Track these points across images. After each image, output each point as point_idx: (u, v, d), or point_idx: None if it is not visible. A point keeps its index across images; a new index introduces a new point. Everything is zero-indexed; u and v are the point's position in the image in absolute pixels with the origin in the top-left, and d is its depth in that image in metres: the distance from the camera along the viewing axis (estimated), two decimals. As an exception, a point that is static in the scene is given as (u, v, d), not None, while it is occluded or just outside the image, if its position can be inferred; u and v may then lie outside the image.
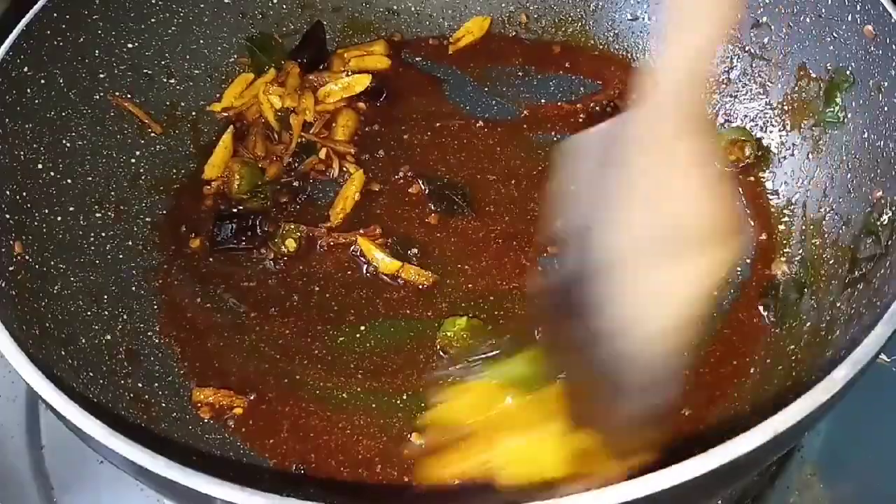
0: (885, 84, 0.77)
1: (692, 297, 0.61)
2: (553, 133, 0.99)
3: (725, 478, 0.57)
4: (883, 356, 0.81)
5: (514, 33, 1.10)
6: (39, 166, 0.83)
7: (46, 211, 0.82)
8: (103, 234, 0.87)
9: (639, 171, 0.61)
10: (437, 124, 1.01)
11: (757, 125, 0.95)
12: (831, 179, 0.85)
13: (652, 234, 0.61)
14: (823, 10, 0.85)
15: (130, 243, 0.89)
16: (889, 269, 0.70)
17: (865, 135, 0.81)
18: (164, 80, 0.98)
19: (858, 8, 0.80)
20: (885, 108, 0.78)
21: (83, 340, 0.78)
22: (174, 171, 0.96)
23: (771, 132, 0.93)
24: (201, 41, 1.02)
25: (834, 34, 0.84)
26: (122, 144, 0.93)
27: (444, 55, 1.09)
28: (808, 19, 0.87)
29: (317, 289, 0.87)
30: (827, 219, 0.84)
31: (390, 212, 0.92)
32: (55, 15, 0.86)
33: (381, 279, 0.87)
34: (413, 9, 1.11)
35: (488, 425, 0.72)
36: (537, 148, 0.98)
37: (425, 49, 1.10)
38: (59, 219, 0.83)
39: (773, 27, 0.92)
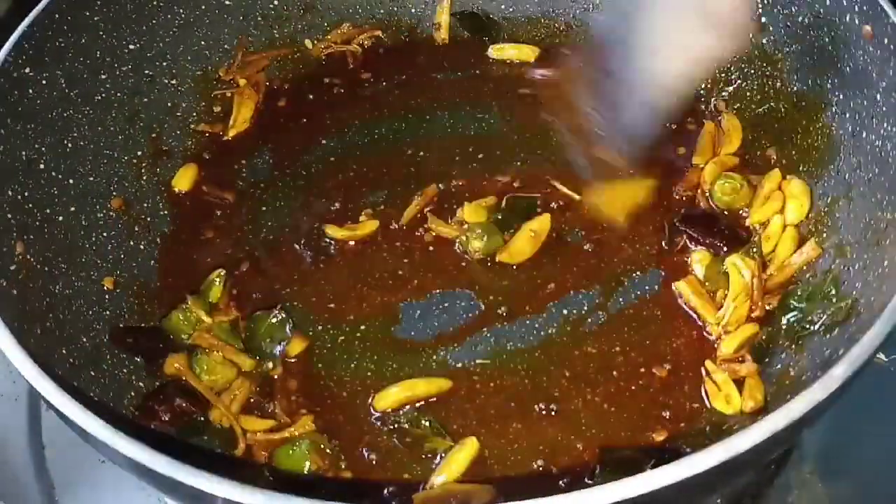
0: (884, 84, 0.78)
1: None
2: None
3: (725, 475, 0.58)
4: (881, 355, 0.82)
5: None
6: (41, 166, 0.83)
7: (48, 211, 0.82)
8: (105, 235, 0.88)
9: None
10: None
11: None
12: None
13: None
14: (821, 11, 0.85)
15: (132, 243, 0.89)
16: (888, 267, 0.70)
17: (864, 135, 0.81)
18: (166, 81, 0.99)
19: (857, 8, 0.80)
20: (884, 109, 0.78)
21: (84, 340, 0.78)
22: (175, 171, 0.97)
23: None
24: (202, 42, 1.02)
25: (832, 34, 0.84)
26: (124, 145, 0.93)
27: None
28: (805, 20, 0.87)
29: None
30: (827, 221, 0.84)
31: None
32: (57, 16, 0.86)
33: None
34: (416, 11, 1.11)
35: None
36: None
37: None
38: (60, 219, 0.83)
39: (771, 27, 0.92)
